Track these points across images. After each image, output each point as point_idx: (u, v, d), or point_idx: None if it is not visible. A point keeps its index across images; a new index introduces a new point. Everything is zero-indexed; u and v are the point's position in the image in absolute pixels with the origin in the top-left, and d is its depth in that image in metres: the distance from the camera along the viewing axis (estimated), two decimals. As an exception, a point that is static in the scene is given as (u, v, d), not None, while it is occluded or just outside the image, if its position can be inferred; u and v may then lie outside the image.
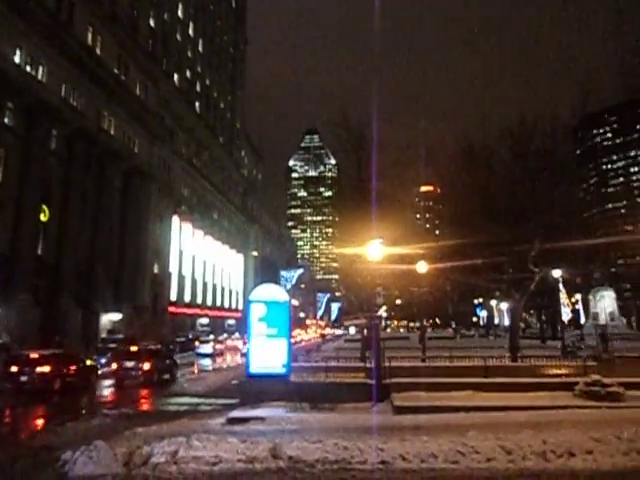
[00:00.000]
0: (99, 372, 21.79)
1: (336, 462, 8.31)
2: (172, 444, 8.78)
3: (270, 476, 7.89)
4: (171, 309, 52.92)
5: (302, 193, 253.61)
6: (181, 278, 56.97)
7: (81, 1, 37.82)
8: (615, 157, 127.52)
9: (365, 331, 27.31)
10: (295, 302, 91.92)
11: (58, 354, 19.25)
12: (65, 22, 35.81)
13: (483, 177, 23.67)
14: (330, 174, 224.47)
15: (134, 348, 24.39)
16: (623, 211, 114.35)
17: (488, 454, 8.55)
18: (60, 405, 16.22)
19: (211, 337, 45.80)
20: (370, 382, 15.53)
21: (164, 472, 7.95)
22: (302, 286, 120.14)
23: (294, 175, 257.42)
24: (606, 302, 48.31)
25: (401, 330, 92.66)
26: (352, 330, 63.76)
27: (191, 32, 67.27)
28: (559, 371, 16.96)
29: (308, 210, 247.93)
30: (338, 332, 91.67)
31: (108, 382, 21.47)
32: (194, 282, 61.16)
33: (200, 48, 70.52)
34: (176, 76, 61.88)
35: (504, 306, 53.00)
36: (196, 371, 28.19)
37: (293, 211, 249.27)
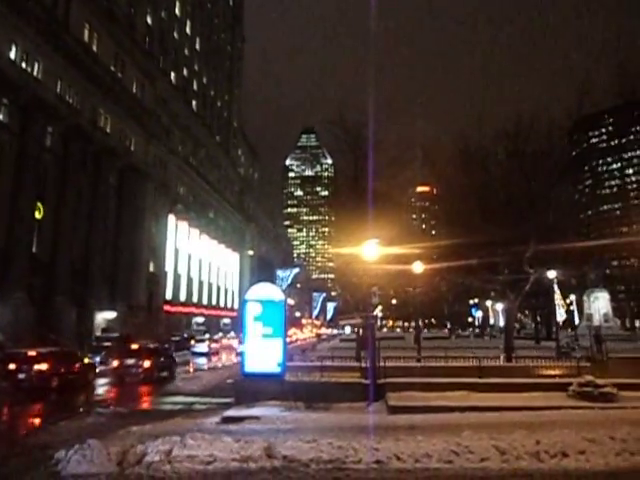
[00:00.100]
0: (97, 370, 21.77)
1: (330, 462, 8.31)
2: (166, 443, 8.75)
3: (264, 475, 7.89)
4: (166, 308, 52.78)
5: (299, 192, 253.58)
6: (177, 277, 56.83)
7: (78, -2, 37.63)
8: (610, 159, 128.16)
9: (360, 331, 27.34)
10: (291, 301, 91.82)
11: (56, 352, 19.27)
12: (61, 19, 35.63)
13: (479, 177, 23.74)
14: (327, 173, 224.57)
15: (135, 346, 24.78)
16: (618, 213, 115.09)
17: (482, 454, 8.58)
18: (57, 403, 16.20)
19: (207, 336, 45.72)
20: (365, 382, 15.55)
21: (158, 471, 7.93)
22: (298, 285, 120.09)
23: (291, 174, 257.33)
24: (600, 303, 48.64)
25: (397, 330, 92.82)
26: (347, 330, 63.86)
27: (188, 30, 67.09)
28: (553, 372, 17.04)
29: (304, 209, 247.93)
30: (334, 332, 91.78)
31: (106, 380, 21.54)
32: (190, 281, 61.02)
33: (197, 46, 70.34)
34: (173, 74, 61.70)
35: (499, 307, 53.20)
36: (191, 370, 28.15)
37: (289, 210, 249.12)
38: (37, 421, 13.57)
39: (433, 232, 39.62)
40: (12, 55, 31.03)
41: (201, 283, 65.30)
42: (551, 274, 26.06)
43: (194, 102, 69.02)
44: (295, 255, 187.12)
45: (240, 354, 19.62)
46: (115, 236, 41.93)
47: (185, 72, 65.93)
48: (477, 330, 71.96)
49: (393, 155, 27.71)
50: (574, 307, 52.07)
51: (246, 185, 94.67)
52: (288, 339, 33.86)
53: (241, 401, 14.72)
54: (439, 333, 68.29)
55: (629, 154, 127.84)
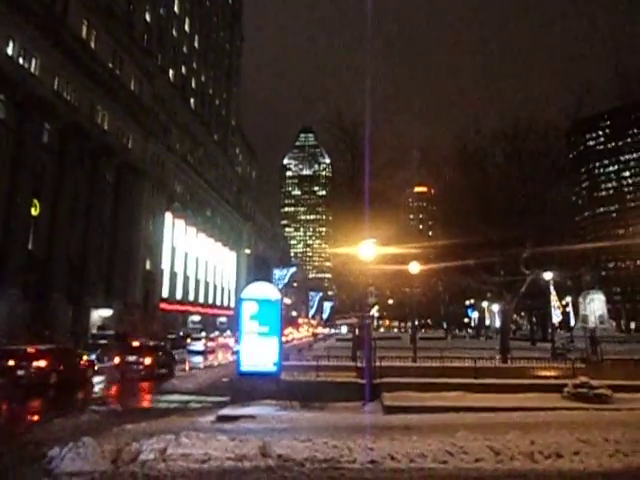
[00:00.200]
0: (96, 367, 21.80)
1: (325, 461, 8.31)
2: (161, 441, 8.73)
3: (259, 474, 7.88)
4: (162, 306, 52.69)
5: (296, 192, 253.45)
6: (173, 275, 56.73)
7: (76, -6, 37.48)
8: (607, 161, 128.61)
9: (357, 330, 27.36)
10: (287, 301, 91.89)
11: (55, 349, 19.35)
12: (60, 15, 35.47)
13: (477, 178, 23.80)
14: (324, 173, 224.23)
15: (136, 343, 25.34)
16: (614, 215, 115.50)
17: (477, 454, 8.59)
18: (54, 400, 16.18)
19: (203, 334, 45.64)
20: (361, 381, 15.57)
21: (152, 469, 7.91)
22: (295, 285, 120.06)
23: (288, 173, 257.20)
24: (596, 305, 48.87)
25: (395, 330, 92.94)
26: (344, 329, 63.87)
27: (187, 28, 66.94)
28: (548, 373, 17.09)
29: (302, 209, 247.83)
30: (330, 331, 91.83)
31: (105, 377, 21.63)
32: (186, 279, 60.93)
33: (196, 44, 70.19)
34: (171, 72, 61.55)
35: (495, 308, 53.36)
36: (187, 368, 28.10)
37: (287, 209, 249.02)
38: (33, 418, 13.52)
39: (430, 233, 39.64)
40: (9, 51, 30.89)
41: (197, 281, 65.20)
42: (547, 275, 26.15)
43: (192, 100, 68.87)
44: (292, 254, 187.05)
45: (236, 353, 19.61)
46: (112, 234, 41.81)
47: (183, 70, 65.77)
48: (473, 331, 72.15)
49: (391, 155, 27.81)
50: (570, 309, 52.29)
51: (244, 184, 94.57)
52: (284, 338, 33.84)
53: (236, 400, 14.70)
54: (435, 333, 68.41)
55: (626, 157, 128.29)
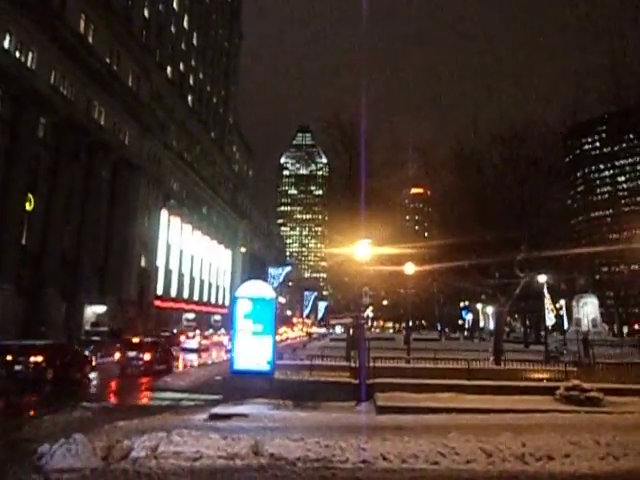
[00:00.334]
0: (93, 363, 21.75)
1: (317, 460, 8.31)
2: (153, 439, 8.70)
3: (251, 473, 7.87)
4: (157, 303, 52.52)
5: (293, 191, 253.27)
6: (168, 272, 56.56)
7: (74, -12, 37.28)
8: (602, 166, 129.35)
9: (351, 331, 27.37)
10: (282, 300, 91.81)
11: (52, 345, 19.42)
12: (57, 9, 35.25)
13: (473, 180, 23.86)
14: (321, 173, 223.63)
15: (136, 340, 25.94)
16: (609, 220, 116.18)
17: (468, 456, 8.61)
18: (50, 395, 16.16)
19: (197, 332, 45.56)
20: (354, 381, 15.59)
21: (143, 467, 7.87)
22: (290, 284, 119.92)
23: (285, 172, 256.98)
24: (589, 309, 49.17)
25: (390, 331, 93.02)
26: (338, 329, 63.91)
27: (186, 24, 66.73)
28: (541, 375, 17.18)
29: (298, 208, 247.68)
30: (324, 331, 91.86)
31: (104, 374, 21.72)
32: (181, 276, 60.77)
33: (194, 41, 69.98)
34: (169, 68, 61.33)
35: (489, 310, 53.58)
36: (181, 366, 28.04)
37: (283, 208, 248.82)
38: (25, 414, 13.43)
39: (426, 234, 39.73)
40: (6, 44, 30.67)
41: (192, 279, 65.05)
42: (541, 278, 26.27)
43: (190, 97, 68.66)
44: (288, 253, 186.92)
45: (230, 351, 19.61)
46: (107, 230, 41.64)
47: (182, 67, 65.55)
48: (467, 333, 72.37)
49: (388, 156, 27.83)
50: (564, 312, 52.54)
51: (240, 182, 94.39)
52: (278, 337, 33.84)
53: (229, 398, 14.68)
54: (429, 335, 68.55)
55: (621, 162, 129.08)
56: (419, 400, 14.11)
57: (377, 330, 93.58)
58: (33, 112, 32.40)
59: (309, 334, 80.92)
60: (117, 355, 23.34)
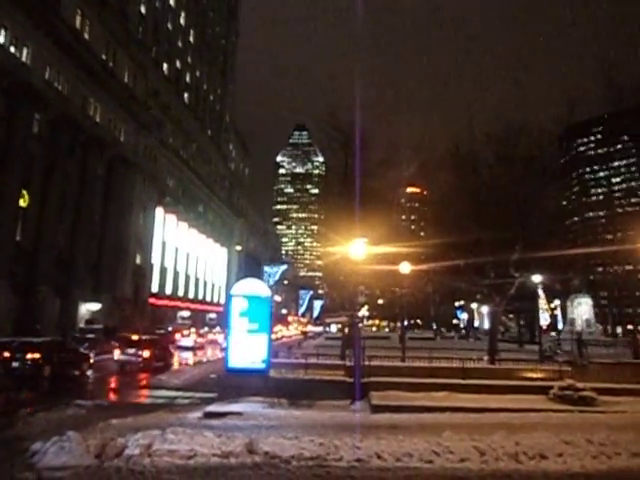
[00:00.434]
0: (91, 360, 21.74)
1: (312, 459, 8.31)
2: (147, 437, 8.68)
3: (245, 471, 7.86)
4: (152, 301, 52.34)
5: (289, 189, 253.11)
6: (163, 270, 56.37)
7: (70, -16, 37.03)
8: (597, 167, 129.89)
9: (346, 329, 27.39)
10: (277, 298, 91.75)
11: (50, 342, 19.52)
12: (53, 4, 34.99)
13: (469, 180, 23.92)
14: (317, 171, 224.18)
15: (135, 337, 26.30)
16: (603, 220, 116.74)
17: (462, 454, 8.65)
18: (46, 392, 16.19)
19: (192, 330, 45.47)
20: (349, 380, 15.61)
21: (137, 465, 7.85)
22: (285, 282, 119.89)
23: (281, 171, 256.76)
24: (583, 309, 49.49)
25: (386, 330, 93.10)
26: (333, 328, 63.95)
27: (182, 21, 66.43)
28: (535, 375, 17.25)
29: (294, 207, 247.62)
30: (319, 329, 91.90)
31: (102, 371, 21.85)
32: (176, 274, 60.59)
33: (191, 38, 69.70)
34: (165, 66, 61.06)
35: (484, 309, 53.71)
36: (176, 364, 28.00)
37: (279, 207, 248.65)
38: (19, 411, 13.35)
39: (422, 233, 39.78)
40: (1, 39, 30.41)
41: (188, 277, 64.89)
42: (536, 278, 26.36)
43: (186, 95, 68.40)
44: (283, 252, 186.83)
45: (225, 349, 19.61)
46: (102, 227, 41.44)
47: (178, 64, 65.28)
48: (463, 332, 72.59)
49: (384, 155, 27.87)
50: (558, 312, 52.79)
51: (236, 180, 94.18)
52: (273, 336, 33.79)
53: (224, 396, 14.66)
54: (424, 334, 68.71)
55: (616, 163, 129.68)
56: (414, 399, 14.14)
57: (374, 329, 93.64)
58: (28, 108, 32.16)
59: (304, 333, 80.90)
60: (117, 352, 23.88)
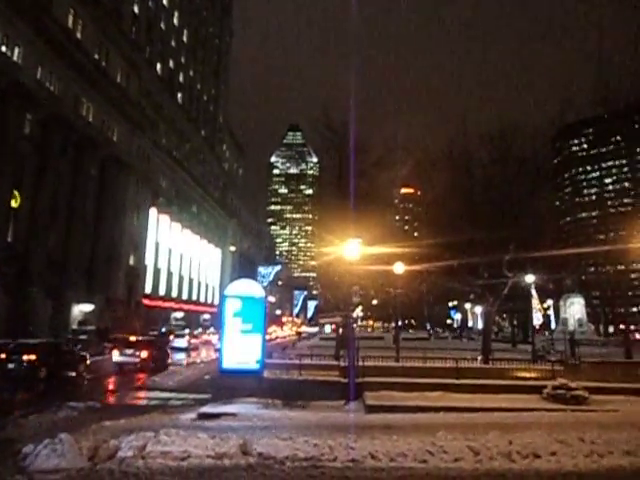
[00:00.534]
0: (88, 362, 21.58)
1: (306, 459, 8.30)
2: (140, 438, 8.63)
3: (239, 472, 7.84)
4: (145, 302, 52.08)
5: (283, 190, 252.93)
6: (157, 271, 56.11)
7: (62, -17, 36.79)
8: (589, 168, 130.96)
9: (340, 330, 27.40)
10: (272, 299, 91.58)
11: (46, 343, 19.60)
12: (45, 3, 34.76)
13: (463, 181, 24.02)
14: (311, 172, 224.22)
15: (133, 338, 26.74)
16: (595, 221, 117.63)
17: (456, 454, 8.67)
18: (41, 394, 16.11)
19: (186, 331, 45.30)
20: (344, 380, 15.62)
21: (130, 467, 7.80)
22: (279, 283, 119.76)
23: (275, 172, 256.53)
24: (575, 308, 49.79)
25: (381, 330, 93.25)
26: (327, 328, 63.93)
27: (176, 21, 66.20)
28: (529, 374, 17.35)
29: (288, 207, 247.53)
30: (314, 330, 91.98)
31: (100, 372, 21.68)
32: (170, 275, 60.33)
33: (184, 38, 69.47)
34: (159, 66, 60.79)
35: (478, 309, 53.95)
36: (170, 365, 27.90)
37: (273, 208, 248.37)
38: (14, 412, 13.23)
39: (415, 234, 39.90)
40: (-8, 38, 30.20)
41: (181, 278, 64.64)
42: (529, 278, 26.51)
43: (180, 95, 68.16)
44: (277, 253, 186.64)
45: (219, 350, 19.57)
46: (95, 228, 41.17)
47: (171, 64, 65.01)
48: (456, 332, 72.89)
49: (378, 155, 27.87)
50: (551, 311, 53.08)
51: (230, 181, 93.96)
52: (268, 336, 33.74)
53: (218, 397, 14.62)
54: (419, 334, 68.94)
55: (608, 163, 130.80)
56: (408, 399, 14.17)
57: (369, 329, 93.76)
58: (19, 108, 31.89)
59: (298, 333, 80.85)
60: (115, 353, 24.10)
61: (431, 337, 60.00)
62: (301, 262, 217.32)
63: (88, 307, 38.74)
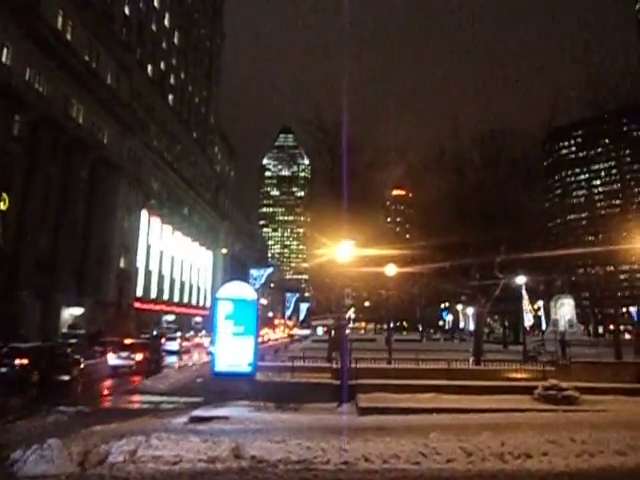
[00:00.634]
0: (82, 365, 21.43)
1: (299, 462, 8.27)
2: (131, 443, 8.54)
3: (231, 476, 7.78)
4: (136, 305, 51.70)
5: (275, 192, 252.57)
6: (148, 273, 55.74)
7: (52, -16, 36.51)
8: (578, 170, 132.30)
9: (332, 332, 27.38)
10: (264, 301, 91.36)
11: (39, 347, 19.61)
12: (33, 4, 34.46)
13: (454, 183, 24.15)
14: (303, 174, 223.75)
15: (128, 341, 27.32)
16: (584, 222, 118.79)
17: (449, 455, 8.68)
18: (34, 398, 15.95)
19: (178, 334, 45.03)
20: (336, 383, 15.59)
21: (121, 472, 7.72)
22: (271, 285, 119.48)
23: (267, 174, 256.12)
24: (566, 309, 50.23)
25: (372, 333, 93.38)
26: (319, 331, 63.89)
27: (167, 23, 65.96)
28: (520, 375, 17.46)
29: (280, 209, 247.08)
30: (306, 332, 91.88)
31: (95, 375, 21.89)
32: (161, 278, 59.95)
33: (175, 40, 69.24)
34: (150, 67, 60.53)
35: (469, 311, 54.16)
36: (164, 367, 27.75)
37: (265, 210, 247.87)
38: (3, 417, 13.08)
39: (407, 236, 40.00)
40: (-20, 39, 29.87)
41: (173, 280, 64.27)
42: (520, 280, 26.68)
43: (171, 97, 67.90)
44: (269, 255, 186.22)
45: (211, 353, 19.49)
46: (85, 230, 40.82)
47: (162, 66, 64.76)
48: (447, 334, 73.16)
49: (370, 157, 27.91)
50: (542, 312, 53.42)
51: (222, 183, 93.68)
52: (260, 339, 33.62)
53: (210, 401, 14.53)
54: (411, 336, 69.08)
55: (597, 166, 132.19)
56: (400, 401, 14.18)
57: (362, 331, 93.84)
58: (7, 109, 31.58)
59: (291, 335, 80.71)
60: (110, 355, 24.61)
61: (423, 339, 60.17)
62: (293, 264, 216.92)
63: (78, 310, 38.38)
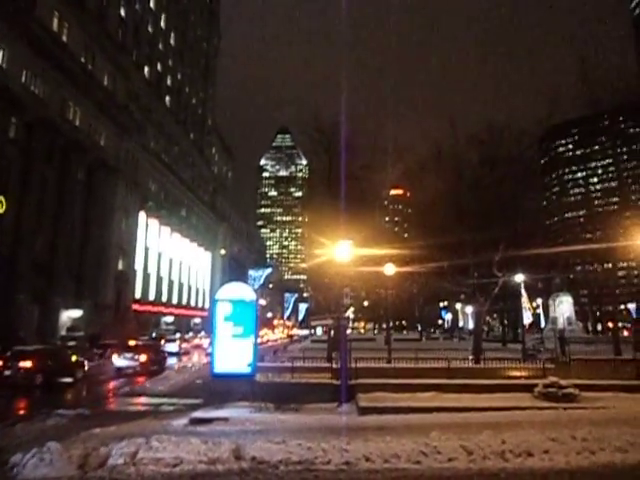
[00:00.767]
0: (86, 367, 21.56)
1: (299, 463, 8.24)
2: (131, 445, 8.50)
3: (232, 477, 7.75)
4: (135, 307, 51.62)
5: (272, 192, 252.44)
6: (146, 275, 55.65)
7: (47, -15, 36.42)
8: (575, 168, 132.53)
9: (332, 332, 27.34)
10: (263, 302, 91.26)
11: (43, 350, 19.82)
12: (28, 6, 34.38)
13: (452, 182, 24.16)
14: (301, 174, 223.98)
15: (132, 342, 28.33)
16: (582, 220, 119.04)
17: (450, 454, 8.67)
18: (37, 401, 15.95)
19: (177, 336, 44.96)
20: (336, 383, 15.57)
21: (122, 474, 7.69)
22: (270, 286, 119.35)
23: (265, 174, 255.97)
24: (564, 307, 50.29)
25: (375, 332, 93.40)
26: (319, 331, 63.89)
27: (163, 24, 65.89)
28: (519, 373, 17.46)
29: (278, 210, 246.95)
30: (305, 333, 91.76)
31: (99, 377, 21.94)
32: (159, 280, 59.86)
33: (172, 41, 69.16)
34: (146, 69, 60.46)
35: (468, 309, 54.19)
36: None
37: (263, 210, 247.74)
38: (4, 420, 13.03)
39: (406, 235, 40.03)
40: (-24, 42, 29.79)
41: (171, 282, 64.17)
42: (519, 278, 26.70)
43: (168, 98, 67.82)
44: (268, 255, 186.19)
45: (210, 354, 19.47)
46: (83, 232, 40.74)
47: (159, 67, 64.69)
48: (447, 333, 73.21)
49: (368, 157, 27.95)
50: (540, 310, 53.46)
51: (219, 184, 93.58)
52: (259, 340, 33.61)
53: (210, 402, 14.49)
54: (410, 335, 69.08)
55: (594, 164, 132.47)
56: (401, 400, 14.16)
57: (361, 331, 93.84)
58: (3, 111, 31.50)
59: (290, 336, 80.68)
60: (115, 357, 25.20)
61: (422, 338, 60.18)
62: (292, 265, 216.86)
63: (76, 313, 38.30)
